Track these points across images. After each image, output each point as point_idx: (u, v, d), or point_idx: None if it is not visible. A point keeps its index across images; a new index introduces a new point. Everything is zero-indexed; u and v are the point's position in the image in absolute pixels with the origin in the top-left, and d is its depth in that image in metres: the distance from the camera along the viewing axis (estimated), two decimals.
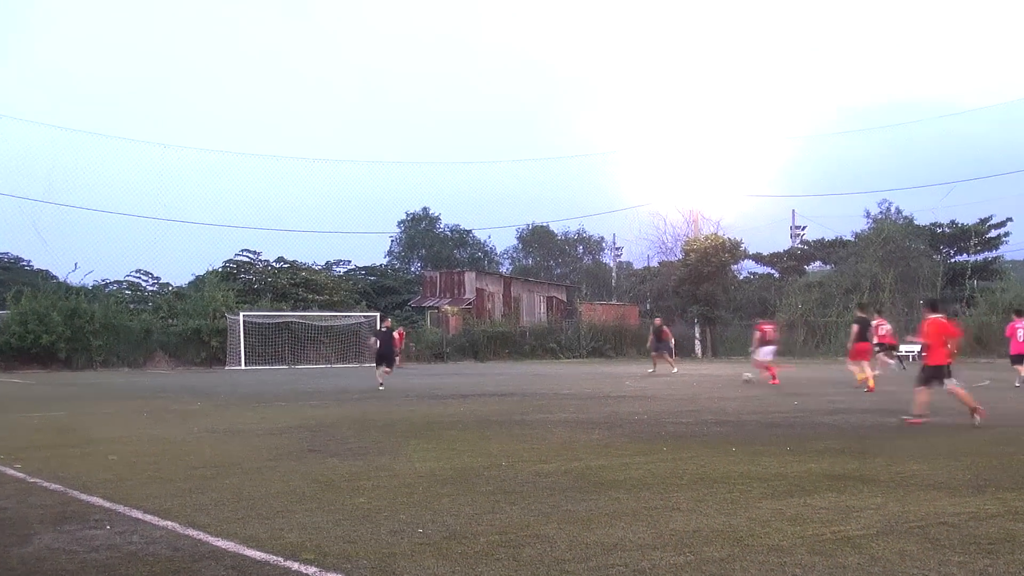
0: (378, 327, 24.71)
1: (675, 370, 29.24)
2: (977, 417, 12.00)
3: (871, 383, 19.35)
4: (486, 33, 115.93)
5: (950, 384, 12.42)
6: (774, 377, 22.27)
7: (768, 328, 24.04)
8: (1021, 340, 21.38)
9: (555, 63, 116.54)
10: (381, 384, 22.44)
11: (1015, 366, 21.49)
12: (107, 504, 7.12)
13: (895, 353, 26.53)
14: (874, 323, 23.25)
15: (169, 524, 6.33)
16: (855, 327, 20.67)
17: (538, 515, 6.50)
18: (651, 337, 30.62)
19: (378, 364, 23.47)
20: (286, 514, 6.63)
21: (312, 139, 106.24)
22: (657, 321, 31.74)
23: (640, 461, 9.13)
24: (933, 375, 12.40)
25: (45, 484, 8.12)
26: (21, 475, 8.66)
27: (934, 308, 13.05)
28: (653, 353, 30.32)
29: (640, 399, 17.87)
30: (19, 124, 73.35)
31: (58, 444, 11.23)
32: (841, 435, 11.32)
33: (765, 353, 23.12)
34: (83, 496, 7.49)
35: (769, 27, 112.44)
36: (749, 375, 23.63)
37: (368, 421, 13.72)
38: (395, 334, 25.72)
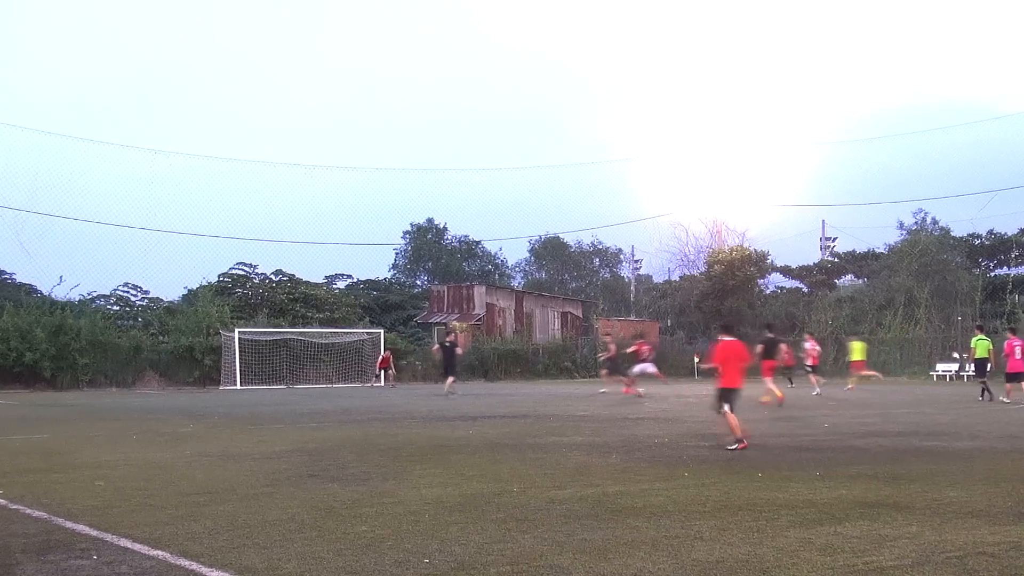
0: (444, 339, 29.67)
1: (603, 391, 30.06)
2: (738, 447, 12.33)
3: (779, 394, 22.40)
4: (496, 33, 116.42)
5: (726, 408, 12.97)
6: (628, 388, 27.12)
7: (645, 348, 29.54)
8: (1019, 358, 22.41)
9: (570, 65, 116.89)
10: (450, 393, 26.61)
11: (1008, 384, 22.62)
12: (94, 532, 7.14)
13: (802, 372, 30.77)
14: (808, 345, 29.87)
15: (160, 554, 6.35)
16: (760, 346, 23.44)
17: (552, 544, 6.50)
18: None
19: (445, 374, 28.20)
20: (284, 543, 6.65)
21: (311, 144, 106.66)
22: (611, 346, 32.15)
23: (660, 487, 9.12)
24: (729, 397, 12.96)
25: (28, 511, 8.16)
26: (3, 501, 8.69)
27: (728, 330, 13.94)
28: (622, 377, 31.33)
29: (660, 421, 17.84)
30: (0, 128, 73.96)
31: (42, 468, 11.27)
32: (874, 459, 11.28)
33: (639, 368, 28.04)
34: (68, 524, 7.52)
35: (797, 29, 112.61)
36: (641, 390, 27.43)
37: (371, 444, 13.74)
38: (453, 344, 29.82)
